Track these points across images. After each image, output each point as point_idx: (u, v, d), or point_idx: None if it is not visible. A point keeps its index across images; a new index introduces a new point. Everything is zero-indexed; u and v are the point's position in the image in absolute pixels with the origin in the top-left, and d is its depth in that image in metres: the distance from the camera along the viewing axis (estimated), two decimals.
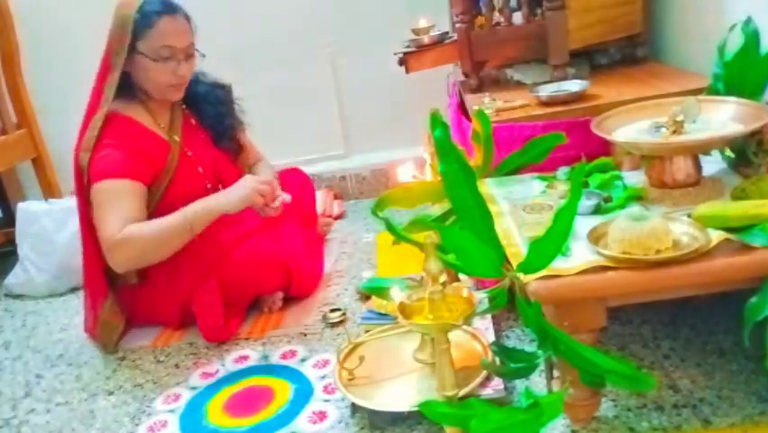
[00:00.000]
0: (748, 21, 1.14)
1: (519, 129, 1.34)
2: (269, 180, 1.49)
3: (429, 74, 1.84)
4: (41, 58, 2.28)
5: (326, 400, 1.19)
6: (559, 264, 0.90)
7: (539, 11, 1.59)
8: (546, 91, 1.45)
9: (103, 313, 1.52)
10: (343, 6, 2.26)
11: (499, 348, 1.06)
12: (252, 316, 1.54)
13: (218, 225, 1.50)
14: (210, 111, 1.69)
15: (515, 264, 0.94)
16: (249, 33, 2.22)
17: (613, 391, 1.06)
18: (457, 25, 1.62)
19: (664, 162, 1.07)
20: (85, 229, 1.52)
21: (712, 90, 1.20)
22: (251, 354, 1.40)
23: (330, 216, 2.08)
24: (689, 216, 0.97)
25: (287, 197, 1.51)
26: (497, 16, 1.66)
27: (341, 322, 1.45)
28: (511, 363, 1.00)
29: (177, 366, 1.41)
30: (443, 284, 0.90)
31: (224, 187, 1.61)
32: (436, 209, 1.26)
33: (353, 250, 1.87)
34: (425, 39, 1.71)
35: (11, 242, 2.04)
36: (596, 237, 0.95)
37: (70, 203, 1.97)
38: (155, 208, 1.51)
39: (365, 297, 1.51)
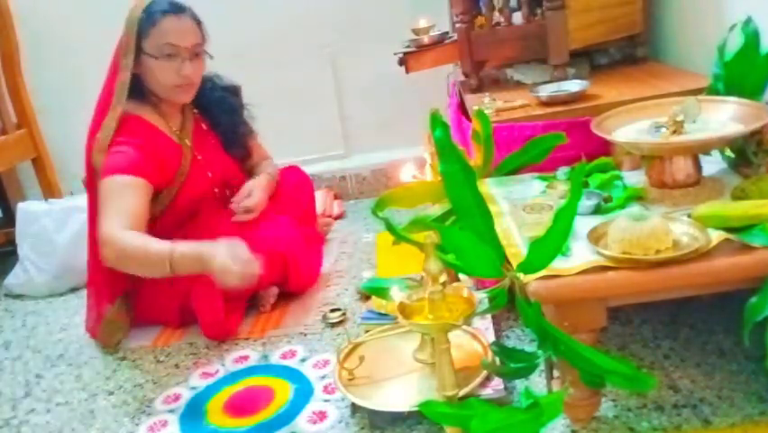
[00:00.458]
0: (748, 21, 1.14)
1: (519, 129, 1.34)
2: (254, 274, 1.29)
3: (429, 74, 1.84)
4: (41, 58, 2.28)
5: (326, 400, 1.19)
6: (559, 264, 0.90)
7: (539, 11, 1.59)
8: (546, 91, 1.45)
9: (110, 312, 1.52)
10: (343, 6, 2.26)
11: (499, 348, 1.06)
12: (252, 315, 1.54)
13: (214, 218, 1.53)
14: (223, 118, 1.70)
15: (515, 264, 0.94)
16: (249, 33, 2.22)
17: (613, 391, 1.06)
18: (457, 25, 1.62)
19: (664, 162, 1.07)
20: (94, 229, 1.51)
21: (712, 90, 1.20)
22: (251, 354, 1.40)
23: (330, 216, 2.08)
24: (689, 216, 0.97)
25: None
26: (497, 16, 1.66)
27: (341, 322, 1.45)
28: (511, 363, 1.00)
29: (177, 366, 1.41)
30: (443, 284, 0.90)
31: (231, 192, 1.64)
32: (436, 209, 1.26)
33: (353, 250, 1.87)
34: (425, 39, 1.71)
35: (11, 242, 2.04)
36: (596, 237, 0.95)
37: (70, 203, 1.97)
38: (164, 212, 1.52)
39: (365, 297, 1.51)
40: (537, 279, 0.89)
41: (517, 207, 1.10)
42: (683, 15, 1.63)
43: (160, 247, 1.32)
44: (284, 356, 1.37)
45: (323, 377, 1.27)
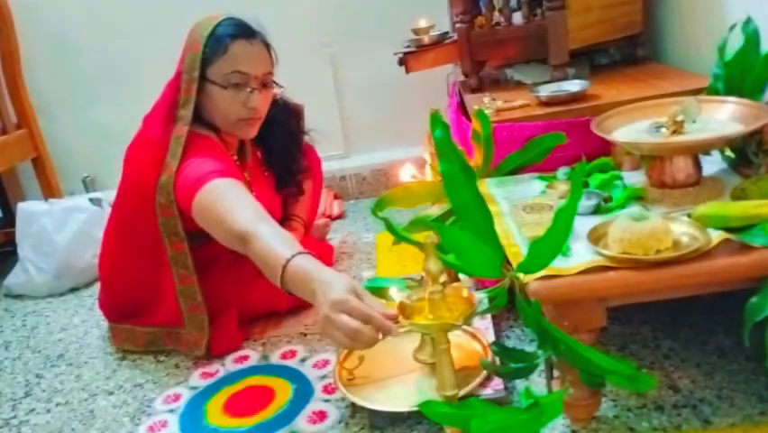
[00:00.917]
0: (748, 21, 1.14)
1: (519, 129, 1.34)
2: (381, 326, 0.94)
3: (429, 74, 1.84)
4: (41, 58, 2.28)
5: (326, 400, 1.19)
6: (559, 264, 0.90)
7: (539, 11, 1.59)
8: (546, 91, 1.45)
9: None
10: (343, 6, 2.26)
11: (499, 348, 1.06)
12: (253, 318, 1.54)
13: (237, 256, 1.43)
14: (281, 155, 1.58)
15: (515, 264, 0.94)
16: None
17: (613, 391, 1.06)
18: (457, 25, 1.62)
19: (664, 162, 1.07)
20: (110, 231, 1.49)
21: (712, 90, 1.20)
22: (251, 354, 1.40)
23: (329, 217, 2.08)
24: (689, 216, 0.97)
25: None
26: (497, 16, 1.66)
27: None
28: (511, 363, 1.00)
29: (177, 366, 1.41)
30: (443, 284, 0.90)
31: None
32: (436, 209, 1.26)
33: (353, 250, 1.87)
34: (425, 39, 1.71)
35: (11, 242, 2.05)
36: (596, 237, 0.95)
37: (70, 203, 1.98)
38: (201, 247, 1.36)
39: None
40: (537, 279, 0.89)
41: (517, 207, 1.10)
42: (683, 15, 1.63)
43: (276, 254, 1.03)
44: (284, 356, 1.37)
45: (323, 377, 1.26)
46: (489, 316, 1.27)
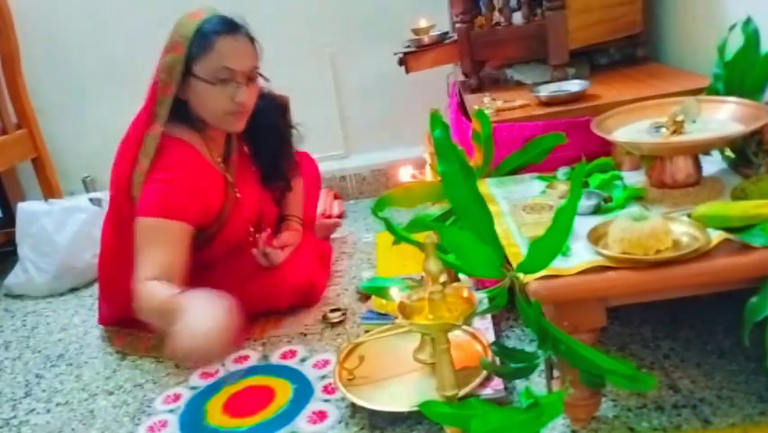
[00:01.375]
0: (748, 21, 1.14)
1: (519, 129, 1.34)
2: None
3: (429, 74, 1.84)
4: (41, 58, 2.28)
5: (326, 400, 1.19)
6: (559, 264, 0.90)
7: (539, 11, 1.59)
8: (546, 91, 1.45)
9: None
10: (343, 6, 2.26)
11: (499, 348, 1.06)
12: (252, 318, 1.54)
13: (236, 257, 1.47)
14: (267, 148, 1.58)
15: (515, 264, 0.94)
16: None
17: (613, 391, 1.06)
18: (457, 25, 1.62)
19: (664, 162, 1.08)
20: (107, 234, 1.51)
21: (712, 90, 1.20)
22: (251, 354, 1.40)
23: (329, 217, 2.08)
24: (689, 216, 0.97)
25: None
26: (497, 16, 1.66)
27: (341, 322, 1.45)
28: (511, 363, 1.00)
29: (177, 366, 1.40)
30: (443, 284, 0.90)
31: (263, 227, 1.56)
32: (436, 209, 1.26)
33: (353, 250, 1.87)
34: (425, 39, 1.71)
35: (11, 242, 2.05)
36: (596, 237, 0.95)
37: (70, 203, 1.98)
38: (196, 255, 1.37)
39: (365, 297, 1.51)
40: (537, 279, 0.89)
41: (517, 207, 1.10)
42: (683, 15, 1.63)
43: (161, 299, 1.18)
44: (284, 356, 1.37)
45: (323, 377, 1.26)
46: (489, 316, 1.27)
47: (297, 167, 1.72)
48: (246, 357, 1.39)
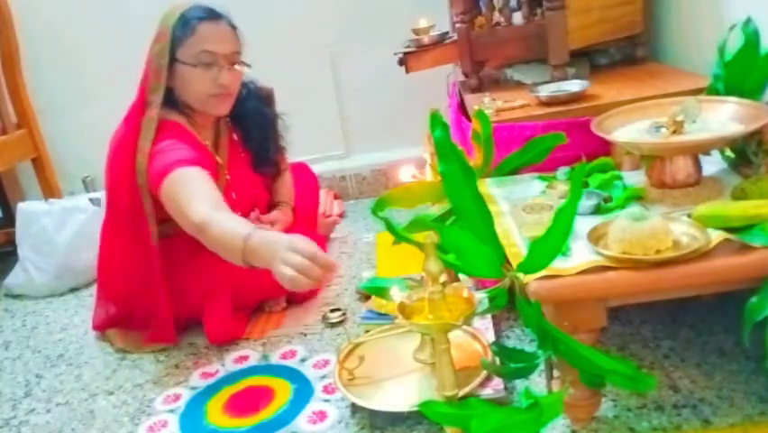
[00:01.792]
0: (748, 21, 1.14)
1: (519, 129, 1.34)
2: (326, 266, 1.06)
3: (429, 74, 1.84)
4: (41, 58, 2.28)
5: (326, 400, 1.19)
6: (559, 264, 0.90)
7: (539, 11, 1.59)
8: (546, 91, 1.45)
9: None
10: (343, 6, 2.26)
11: (499, 348, 1.06)
12: (253, 316, 1.54)
13: None
14: (256, 133, 1.62)
15: (515, 264, 0.94)
16: (249, 33, 2.21)
17: (613, 391, 1.06)
18: (457, 25, 1.62)
19: (664, 162, 1.07)
20: (106, 230, 1.51)
21: (712, 90, 1.20)
22: (251, 354, 1.40)
23: (331, 216, 2.08)
24: (689, 216, 0.97)
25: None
26: (497, 16, 1.66)
27: (341, 322, 1.45)
28: (511, 363, 1.00)
29: (177, 366, 1.41)
30: (443, 284, 0.90)
31: (252, 211, 1.58)
32: (436, 209, 1.26)
33: (353, 250, 1.87)
34: (425, 39, 1.71)
35: (11, 242, 2.05)
36: (596, 237, 0.95)
37: (70, 203, 1.98)
38: (179, 233, 1.33)
39: (365, 297, 1.51)
40: (537, 279, 0.89)
41: (517, 207, 1.10)
42: (683, 15, 1.62)
43: (233, 234, 1.13)
44: (284, 356, 1.37)
45: (323, 377, 1.26)
46: (489, 316, 1.27)
47: (284, 159, 1.75)
48: (246, 357, 1.39)
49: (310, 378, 1.27)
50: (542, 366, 1.07)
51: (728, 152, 1.15)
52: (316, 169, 2.24)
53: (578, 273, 0.89)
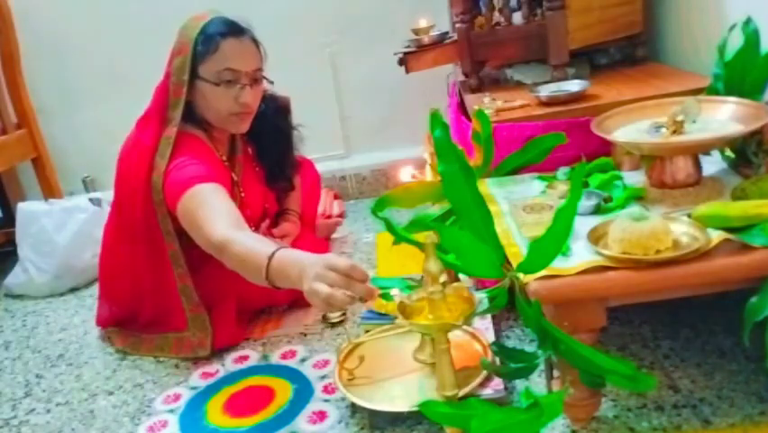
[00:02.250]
0: (748, 21, 1.14)
1: (519, 129, 1.34)
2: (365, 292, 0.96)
3: (429, 74, 1.84)
4: (41, 58, 2.28)
5: (326, 401, 1.19)
6: (559, 264, 0.90)
7: (539, 11, 1.59)
8: (546, 91, 1.45)
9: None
10: (343, 6, 2.26)
11: (499, 348, 1.06)
12: (253, 316, 1.54)
13: None
14: (272, 149, 1.59)
15: (515, 264, 0.94)
16: None
17: (613, 391, 1.06)
18: (457, 25, 1.62)
19: (664, 162, 1.07)
20: (108, 233, 1.51)
21: (712, 90, 1.20)
22: (251, 354, 1.40)
23: (329, 217, 2.08)
24: (689, 216, 0.97)
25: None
26: (497, 16, 1.66)
27: (341, 322, 1.45)
28: (511, 363, 1.00)
29: (177, 366, 1.41)
30: (443, 284, 0.90)
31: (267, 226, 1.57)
32: (436, 209, 1.26)
33: (353, 250, 1.87)
34: (425, 39, 1.71)
35: (11, 242, 2.05)
36: (596, 237, 0.95)
37: (70, 203, 1.98)
38: (198, 252, 1.28)
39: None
40: (537, 279, 0.89)
41: (517, 207, 1.10)
42: (683, 15, 1.62)
43: (257, 254, 1.08)
44: (284, 356, 1.37)
45: (323, 377, 1.26)
46: (488, 316, 1.27)
47: (298, 167, 1.73)
48: (246, 357, 1.39)
49: (310, 378, 1.27)
50: (542, 366, 1.07)
51: (728, 152, 1.15)
52: (316, 169, 2.25)
53: (578, 273, 0.89)
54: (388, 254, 1.73)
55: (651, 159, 1.11)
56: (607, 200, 1.09)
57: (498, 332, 1.28)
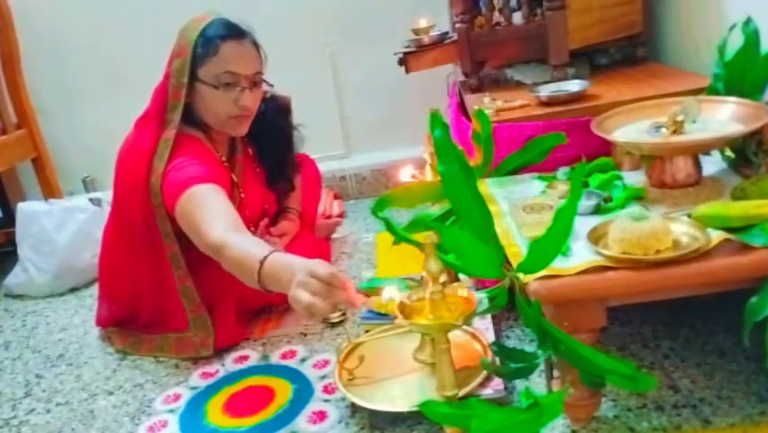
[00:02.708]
0: (748, 21, 1.14)
1: (519, 129, 1.34)
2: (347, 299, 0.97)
3: (429, 74, 1.84)
4: (41, 58, 2.28)
5: (326, 401, 1.19)
6: (559, 264, 0.90)
7: (539, 11, 1.59)
8: (546, 91, 1.45)
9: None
10: (343, 6, 2.26)
11: (499, 348, 1.06)
12: (253, 316, 1.54)
13: None
14: (272, 150, 1.59)
15: (515, 264, 0.94)
16: None
17: (613, 391, 1.06)
18: (457, 25, 1.62)
19: (664, 162, 1.07)
20: (108, 233, 1.50)
21: (712, 90, 1.20)
22: (251, 354, 1.40)
23: (329, 217, 2.08)
24: (689, 216, 0.97)
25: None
26: (497, 16, 1.66)
27: (341, 322, 1.45)
28: (511, 363, 1.00)
29: (177, 366, 1.41)
30: (443, 284, 0.89)
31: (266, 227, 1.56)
32: (436, 209, 1.26)
33: (353, 250, 1.87)
34: (425, 39, 1.71)
35: (11, 242, 2.05)
36: (596, 237, 0.95)
37: (70, 203, 1.98)
38: (197, 252, 1.27)
39: (365, 297, 1.51)
40: (537, 279, 0.89)
41: (517, 207, 1.10)
42: (683, 15, 1.62)
43: (249, 257, 1.07)
44: (284, 356, 1.37)
45: (323, 377, 1.27)
46: (488, 316, 1.27)
47: (298, 167, 1.73)
48: (246, 357, 1.39)
49: (310, 378, 1.27)
50: (542, 366, 1.07)
51: (728, 152, 1.15)
52: None
53: (578, 273, 0.89)
54: (388, 254, 1.73)
55: (651, 159, 1.11)
56: (607, 200, 1.09)
57: (498, 332, 1.28)
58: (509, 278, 0.93)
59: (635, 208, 1.04)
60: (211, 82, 1.36)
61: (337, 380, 1.14)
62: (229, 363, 1.38)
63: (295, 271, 0.97)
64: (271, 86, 1.48)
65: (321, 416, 1.15)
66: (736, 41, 1.15)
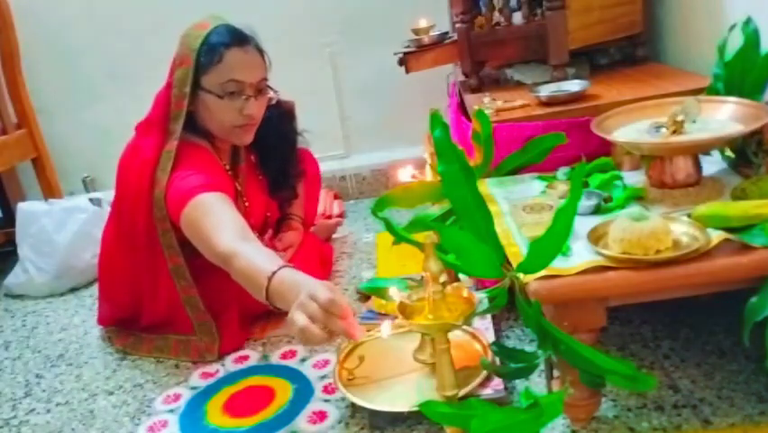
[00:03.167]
0: (748, 21, 1.14)
1: (519, 129, 1.34)
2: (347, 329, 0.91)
3: (429, 74, 1.84)
4: (41, 58, 2.28)
5: (326, 401, 1.19)
6: (559, 264, 0.90)
7: (539, 11, 1.59)
8: (546, 91, 1.45)
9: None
10: (343, 6, 2.26)
11: (499, 348, 1.06)
12: (254, 318, 1.54)
13: None
14: (275, 158, 1.57)
15: (515, 264, 0.94)
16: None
17: (613, 391, 1.06)
18: (457, 25, 1.62)
19: (664, 162, 1.07)
20: (108, 234, 1.50)
21: (712, 90, 1.20)
22: (251, 354, 1.40)
23: (329, 217, 2.08)
24: (689, 216, 0.97)
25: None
26: (497, 16, 1.66)
27: None
28: (511, 363, 1.00)
29: (177, 366, 1.41)
30: (443, 284, 0.90)
31: (265, 228, 1.55)
32: (436, 209, 1.26)
33: (353, 250, 1.87)
34: (425, 39, 1.71)
35: (11, 242, 2.05)
36: (596, 237, 0.95)
37: (70, 203, 1.98)
38: (200, 259, 1.26)
39: (365, 297, 1.51)
40: (537, 279, 0.89)
41: (517, 207, 1.10)
42: (683, 15, 1.62)
43: (258, 271, 1.04)
44: (284, 356, 1.37)
45: (323, 377, 1.26)
46: (488, 316, 1.27)
47: (302, 174, 1.71)
48: (246, 357, 1.39)
49: (310, 378, 1.27)
50: (542, 366, 1.07)
51: (728, 152, 1.15)
52: None
53: (578, 273, 0.89)
54: (388, 254, 1.73)
55: (651, 159, 1.11)
56: (607, 200, 1.09)
57: (498, 332, 1.28)
58: (509, 278, 0.93)
59: (635, 208, 1.04)
60: (215, 91, 1.34)
61: (337, 380, 1.14)
62: (229, 364, 1.38)
63: (300, 292, 0.93)
64: (276, 92, 1.46)
65: (321, 416, 1.15)
66: (736, 41, 1.15)
